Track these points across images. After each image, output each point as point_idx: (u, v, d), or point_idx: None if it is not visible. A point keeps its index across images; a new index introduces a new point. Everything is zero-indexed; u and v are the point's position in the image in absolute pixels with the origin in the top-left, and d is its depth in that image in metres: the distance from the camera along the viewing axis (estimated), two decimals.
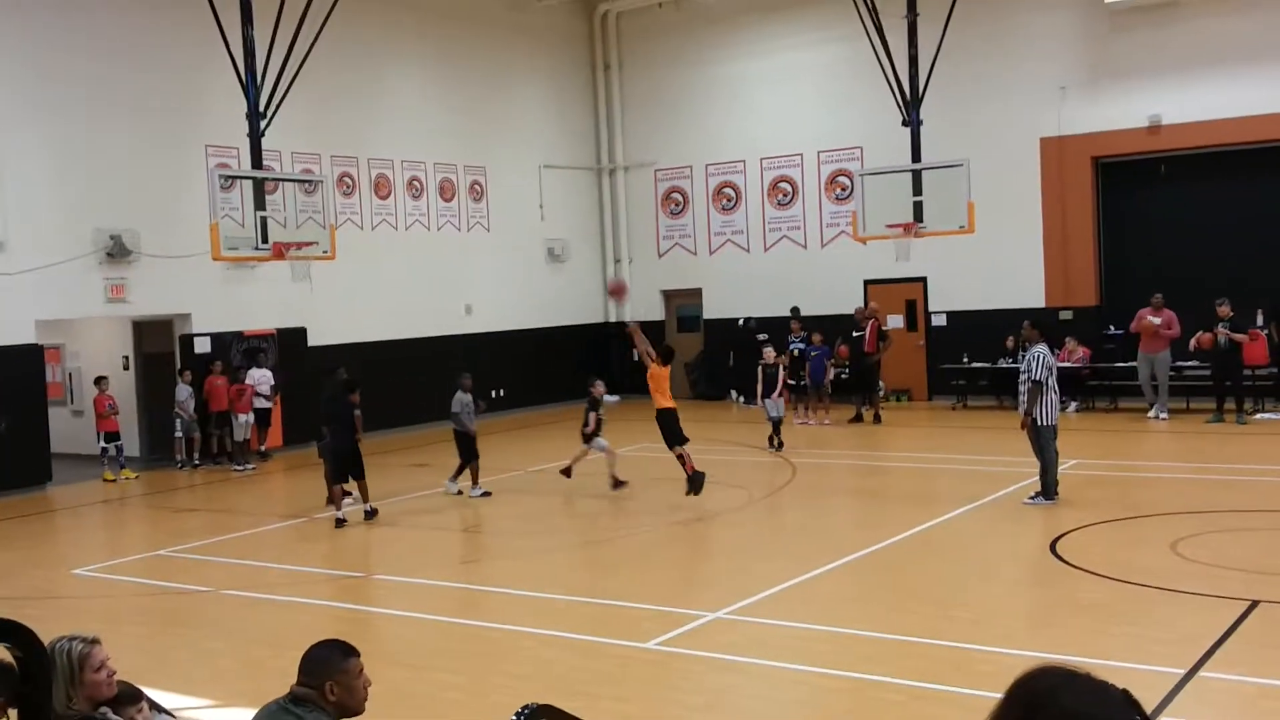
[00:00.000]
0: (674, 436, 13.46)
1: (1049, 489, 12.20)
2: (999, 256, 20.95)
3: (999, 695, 1.94)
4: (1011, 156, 20.81)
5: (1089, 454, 15.34)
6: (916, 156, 17.39)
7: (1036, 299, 20.96)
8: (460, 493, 14.48)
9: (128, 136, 17.37)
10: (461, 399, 14.70)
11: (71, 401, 19.95)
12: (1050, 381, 12.08)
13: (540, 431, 20.55)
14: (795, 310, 21.60)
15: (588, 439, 14.50)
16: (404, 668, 7.75)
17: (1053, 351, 12.79)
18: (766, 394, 17.20)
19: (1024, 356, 12.78)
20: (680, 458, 13.29)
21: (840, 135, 22.80)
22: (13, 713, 4.43)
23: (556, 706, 3.96)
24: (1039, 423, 12.12)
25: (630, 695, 7.20)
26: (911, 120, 17.59)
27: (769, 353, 17.78)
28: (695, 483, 13.01)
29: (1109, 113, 20.30)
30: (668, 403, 13.57)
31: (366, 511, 13.24)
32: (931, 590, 9.44)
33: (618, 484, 14.22)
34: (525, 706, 3.72)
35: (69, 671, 4.33)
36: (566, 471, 14.56)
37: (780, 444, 16.99)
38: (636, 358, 14.23)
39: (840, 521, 12.73)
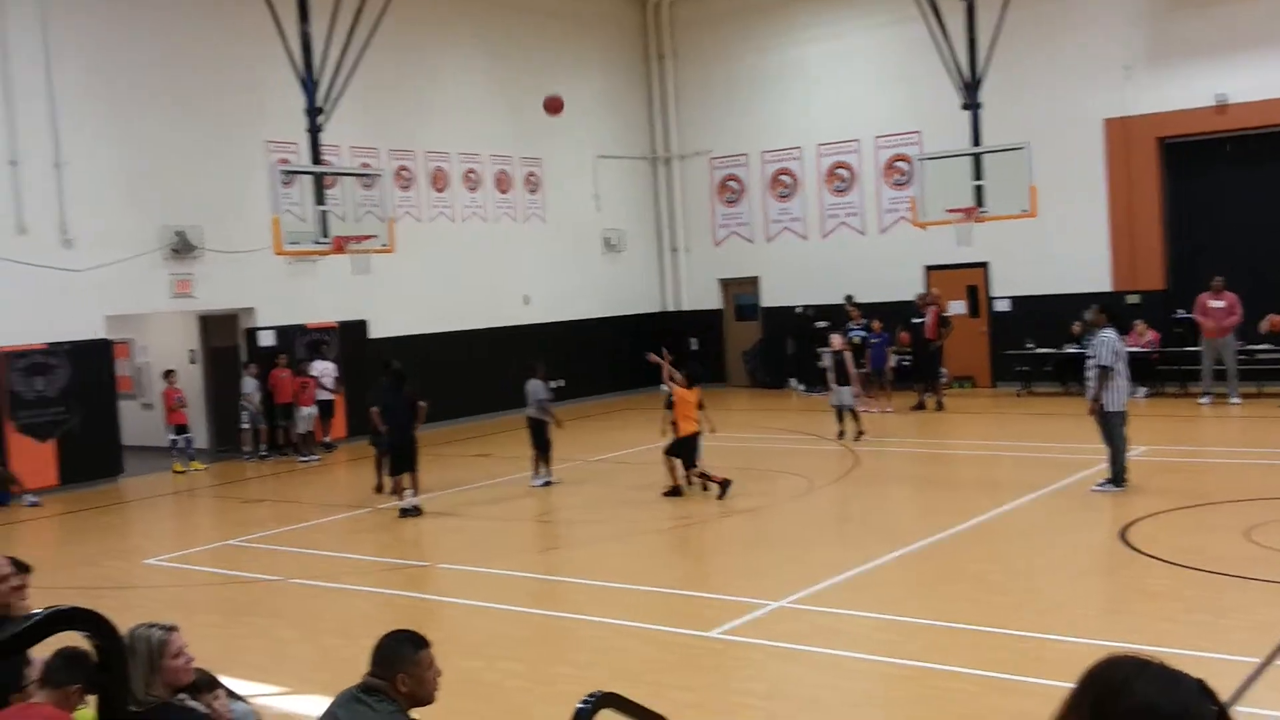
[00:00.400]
0: (690, 460, 13.35)
1: (1118, 476, 12.00)
2: (1063, 240, 20.61)
3: (1070, 685, 1.91)
4: (1074, 138, 20.45)
5: (1159, 440, 15.07)
6: (977, 140, 17.16)
7: (1102, 283, 20.59)
8: (548, 484, 14.42)
9: (191, 134, 17.66)
10: (535, 387, 14.63)
11: (142, 395, 20.35)
12: (1118, 366, 11.87)
13: (599, 422, 20.61)
14: (849, 298, 21.42)
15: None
16: (470, 656, 7.82)
17: (1121, 336, 12.55)
18: (840, 381, 16.95)
19: (1090, 341, 12.57)
20: (703, 475, 13.17)
21: (898, 120, 22.55)
22: (91, 700, 4.53)
23: (621, 694, 3.99)
24: (1106, 408, 11.92)
25: (694, 684, 7.20)
26: (971, 103, 17.36)
27: (836, 339, 17.64)
28: (725, 487, 12.90)
29: (1174, 92, 19.85)
30: (692, 428, 13.32)
31: (411, 506, 13.12)
32: (998, 579, 9.33)
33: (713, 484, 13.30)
34: (591, 694, 3.75)
35: (148, 658, 4.42)
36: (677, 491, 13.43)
37: (851, 433, 16.68)
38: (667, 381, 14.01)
39: (903, 510, 12.62)
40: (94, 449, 16.50)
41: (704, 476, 13.20)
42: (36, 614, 2.50)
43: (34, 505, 15.07)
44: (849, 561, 9.95)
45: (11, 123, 15.81)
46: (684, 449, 13.34)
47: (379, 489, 14.48)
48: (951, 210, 16.76)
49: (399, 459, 13.37)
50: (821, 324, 22.26)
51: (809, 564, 9.99)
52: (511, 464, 16.43)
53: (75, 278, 16.28)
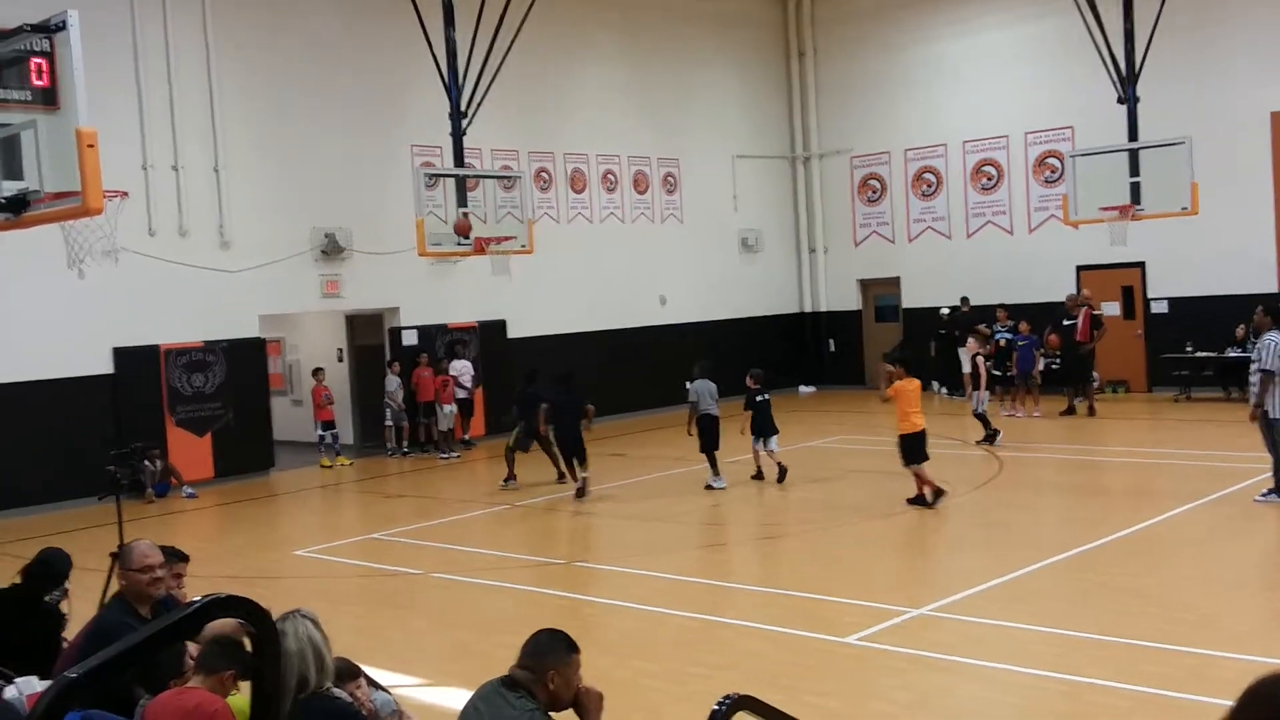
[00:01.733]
0: (919, 457, 12.49)
1: None
2: (1225, 239, 19.59)
3: (1228, 703, 1.74)
4: (1238, 132, 19.43)
5: None
6: (1133, 135, 16.46)
7: (1268, 283, 19.49)
8: (725, 488, 13.99)
9: (340, 139, 18.19)
10: (707, 386, 14.40)
11: (292, 391, 21.07)
12: None
13: (735, 424, 20.43)
14: (965, 300, 21.22)
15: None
16: (605, 654, 7.80)
17: None
18: (975, 385, 16.49)
19: (1255, 344, 11.88)
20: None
21: (1049, 115, 21.79)
22: (244, 686, 4.64)
23: (757, 698, 3.87)
24: (1270, 415, 11.25)
25: (832, 690, 7.03)
26: (1127, 97, 16.66)
27: (972, 343, 17.12)
28: (782, 473, 13.98)
29: None
30: (920, 423, 12.29)
31: (582, 485, 14.14)
32: (1154, 591, 8.88)
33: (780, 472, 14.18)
34: (727, 696, 3.65)
35: (308, 639, 4.50)
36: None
37: (989, 436, 16.26)
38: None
39: (1051, 518, 12.14)
40: (247, 443, 17.12)
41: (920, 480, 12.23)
42: (196, 601, 2.55)
43: (191, 497, 15.72)
44: (994, 570, 9.60)
45: (175, 130, 16.53)
46: (914, 447, 12.24)
47: (560, 479, 15.00)
48: (1106, 208, 16.11)
49: (569, 453, 14.39)
50: (945, 310, 22.05)
51: (951, 571, 9.68)
52: (645, 464, 16.45)
53: (231, 279, 16.94)
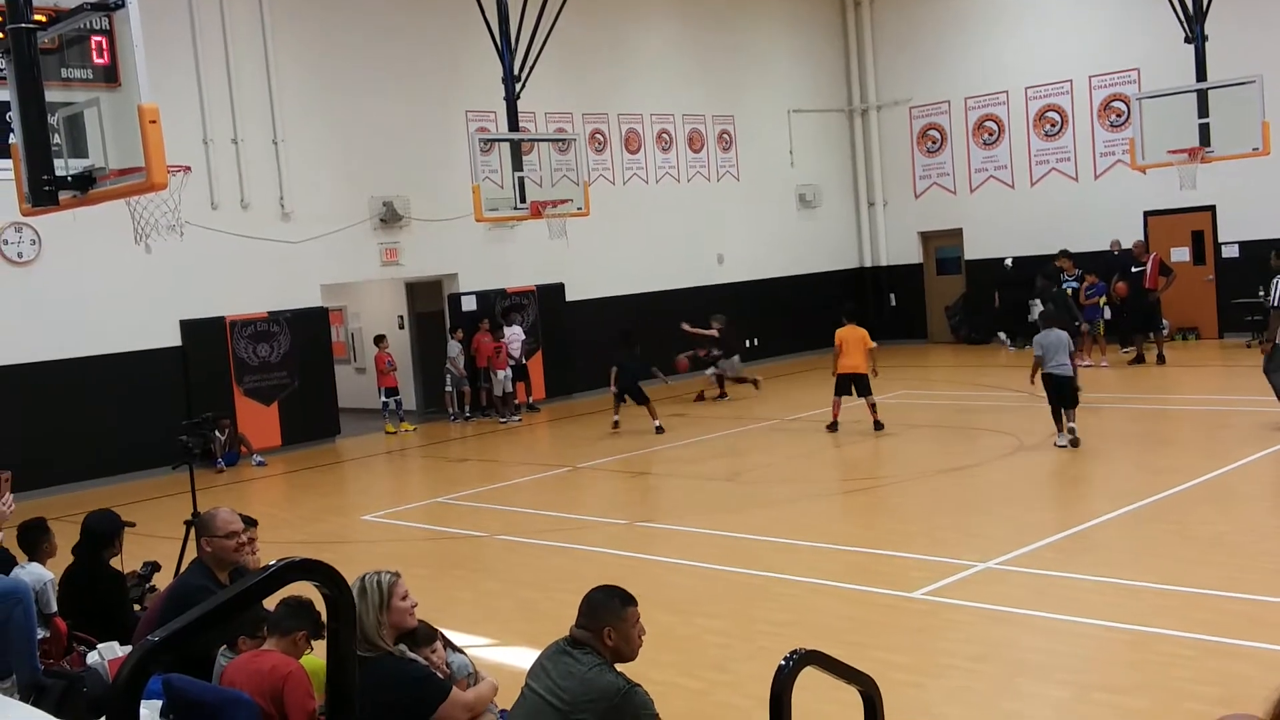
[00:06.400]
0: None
1: None
2: None
3: None
4: None
5: None
6: (1202, 75, 16.01)
7: None
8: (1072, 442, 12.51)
9: (396, 108, 18.26)
10: (1061, 338, 12.59)
11: (355, 359, 21.34)
12: None
13: (796, 380, 20.38)
14: (1064, 252, 20.32)
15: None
16: (669, 612, 7.85)
17: None
18: None
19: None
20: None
21: (1114, 57, 21.25)
22: (318, 645, 4.75)
23: (824, 653, 3.88)
24: None
25: (899, 645, 7.01)
26: (1195, 36, 16.20)
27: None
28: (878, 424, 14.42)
29: None
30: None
31: (657, 428, 15.74)
32: (1226, 540, 8.73)
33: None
34: (794, 651, 3.66)
35: (379, 598, 4.64)
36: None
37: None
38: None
39: (1120, 468, 11.95)
40: (313, 411, 17.40)
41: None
42: (271, 565, 2.61)
43: (260, 465, 16.03)
44: (1061, 522, 9.50)
45: (234, 104, 16.70)
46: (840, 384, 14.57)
47: (615, 425, 16.37)
48: (1174, 151, 15.73)
49: (639, 400, 16.10)
50: (1009, 261, 21.60)
51: (1018, 524, 9.59)
52: (706, 424, 16.46)
53: (293, 249, 17.14)
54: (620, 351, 16.56)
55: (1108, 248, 20.34)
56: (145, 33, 6.18)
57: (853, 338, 14.57)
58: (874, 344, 14.70)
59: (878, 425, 14.40)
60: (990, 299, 22.85)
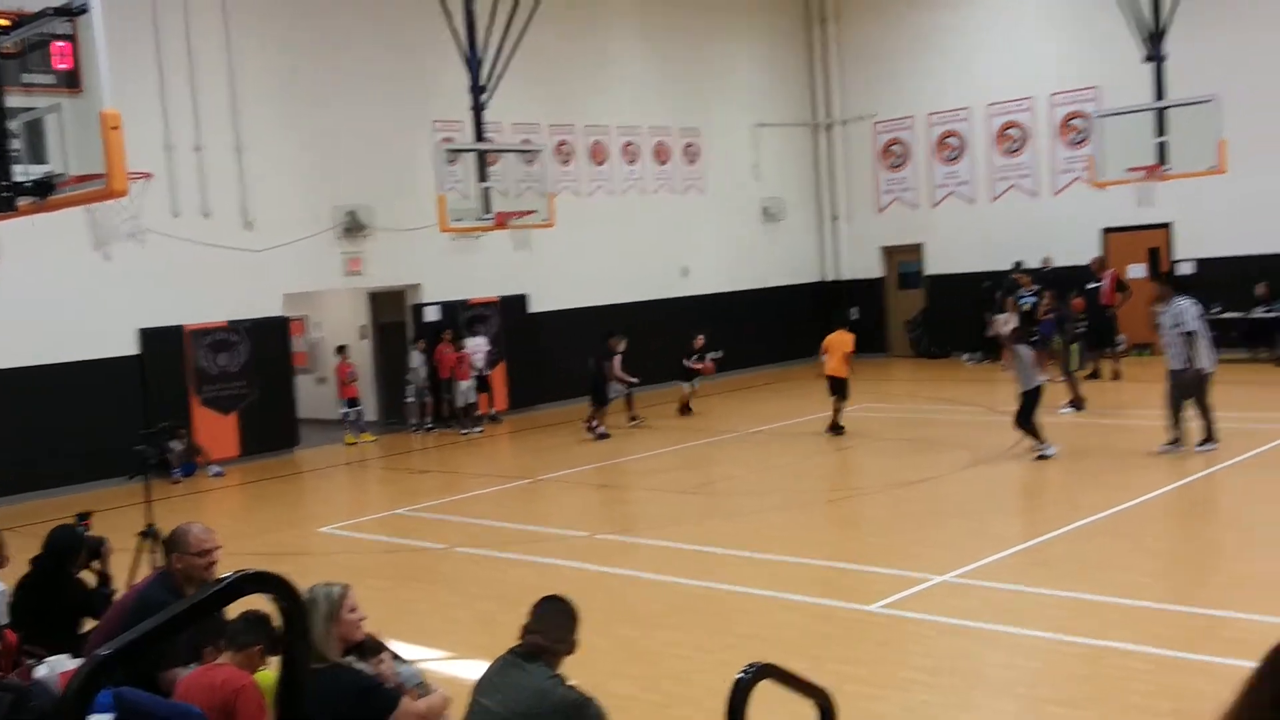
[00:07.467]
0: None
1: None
2: (1256, 197, 19.34)
3: (1252, 664, 1.74)
4: (1268, 88, 19.14)
5: None
6: (1160, 94, 16.25)
7: None
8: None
9: (362, 115, 18.17)
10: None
11: (316, 370, 21.18)
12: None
13: (760, 393, 20.45)
14: (1018, 264, 20.75)
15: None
16: (631, 625, 7.85)
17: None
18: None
19: (1163, 310, 12.77)
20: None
21: (1074, 75, 21.54)
22: (273, 661, 4.71)
23: (781, 666, 3.89)
24: (1204, 370, 12.20)
25: (857, 657, 7.05)
26: (1154, 55, 16.43)
27: (1001, 319, 17.16)
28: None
29: None
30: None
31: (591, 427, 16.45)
32: (1181, 554, 8.86)
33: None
34: (750, 665, 3.67)
35: (329, 610, 4.61)
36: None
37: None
38: None
39: (1076, 482, 12.08)
40: (272, 422, 17.25)
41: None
42: (225, 578, 2.58)
43: (218, 475, 15.87)
44: (1018, 535, 9.59)
45: (196, 110, 16.57)
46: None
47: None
48: (1132, 169, 15.95)
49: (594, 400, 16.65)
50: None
51: (976, 538, 9.67)
52: (670, 435, 16.47)
53: (255, 258, 17.01)
54: (598, 354, 17.11)
55: (1068, 263, 20.54)
56: (108, 38, 6.13)
57: (835, 342, 15.30)
58: (850, 349, 15.33)
59: (834, 429, 14.98)
60: (950, 314, 23.01)
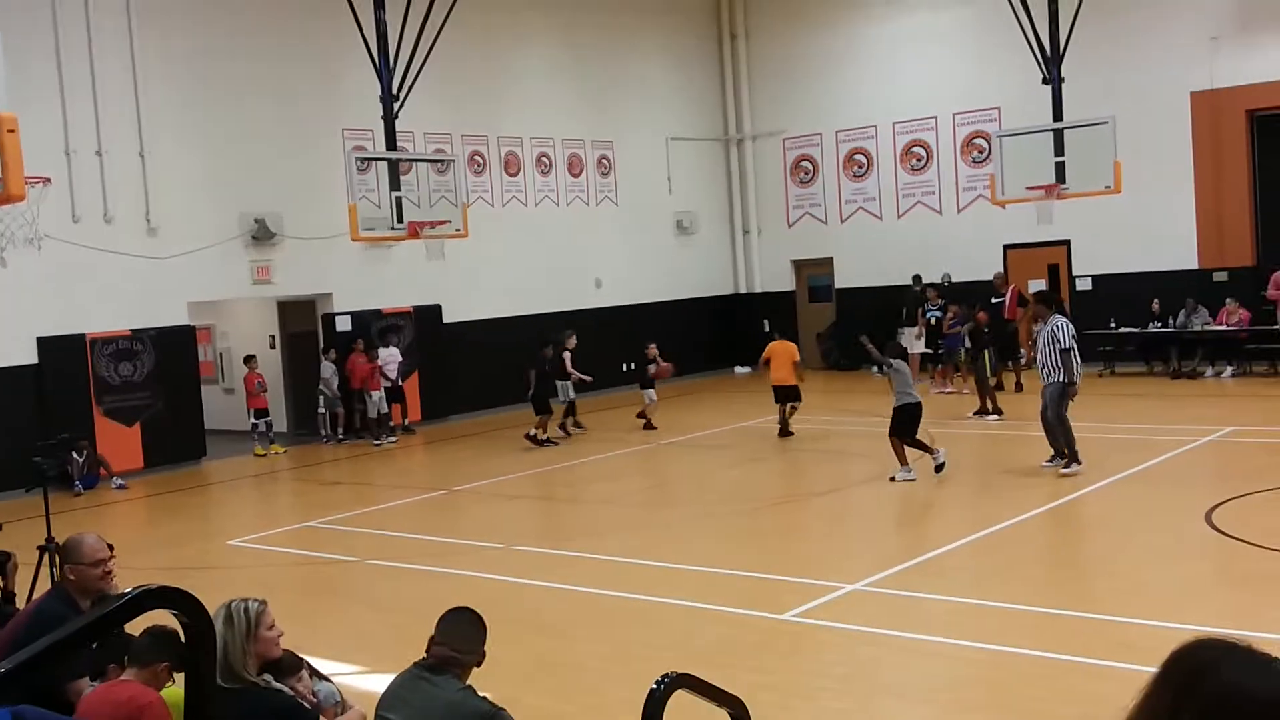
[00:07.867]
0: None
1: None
2: (1148, 217, 20.08)
3: (1152, 669, 1.83)
4: (1160, 112, 19.90)
5: (1248, 420, 14.62)
6: (1058, 115, 16.76)
7: (1189, 260, 20.07)
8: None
9: (270, 122, 17.91)
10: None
11: (223, 380, 20.77)
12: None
13: (671, 404, 20.57)
14: (916, 279, 21.34)
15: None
16: (546, 636, 7.85)
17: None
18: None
19: (1039, 330, 13.04)
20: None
21: (977, 96, 22.13)
22: (179, 678, 4.62)
23: (695, 676, 3.95)
24: (1071, 383, 12.40)
25: (769, 666, 7.15)
26: (1052, 78, 16.95)
27: (909, 332, 17.56)
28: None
29: (1264, 64, 19.21)
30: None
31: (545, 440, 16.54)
32: (1078, 562, 9.15)
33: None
34: (664, 675, 3.71)
35: (245, 627, 4.52)
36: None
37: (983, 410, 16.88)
38: None
39: (980, 493, 12.40)
40: (178, 433, 16.87)
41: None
42: (127, 593, 2.54)
43: (120, 488, 15.47)
44: (925, 545, 9.80)
45: (98, 114, 16.17)
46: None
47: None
48: (1032, 188, 16.43)
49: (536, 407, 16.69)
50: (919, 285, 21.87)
51: (884, 547, 9.87)
52: (584, 447, 16.49)
53: (159, 265, 16.64)
54: (539, 359, 17.18)
55: (972, 278, 21.08)
56: (4, 40, 5.98)
57: (781, 352, 16.06)
58: (797, 357, 16.26)
59: (783, 432, 15.74)
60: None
